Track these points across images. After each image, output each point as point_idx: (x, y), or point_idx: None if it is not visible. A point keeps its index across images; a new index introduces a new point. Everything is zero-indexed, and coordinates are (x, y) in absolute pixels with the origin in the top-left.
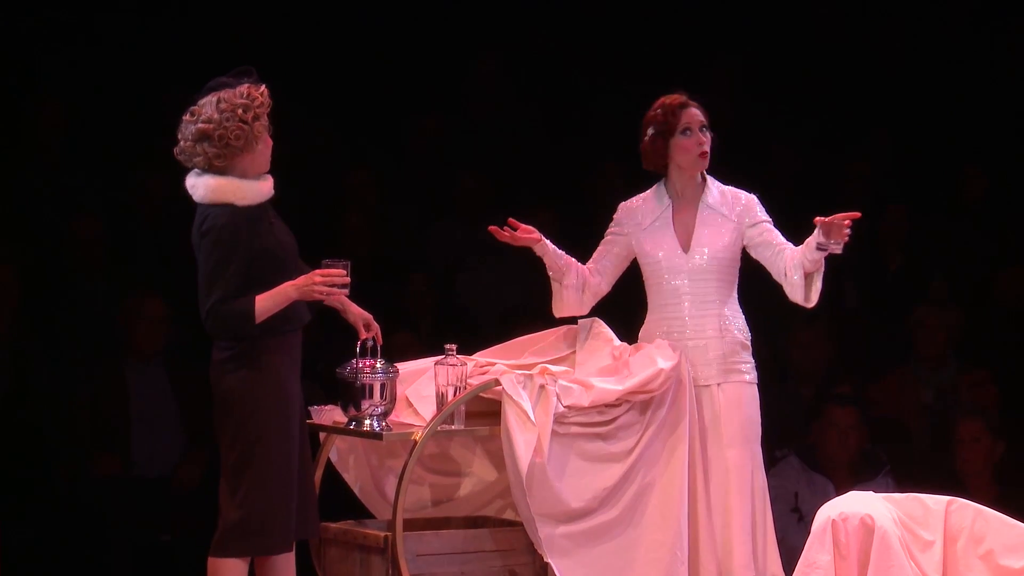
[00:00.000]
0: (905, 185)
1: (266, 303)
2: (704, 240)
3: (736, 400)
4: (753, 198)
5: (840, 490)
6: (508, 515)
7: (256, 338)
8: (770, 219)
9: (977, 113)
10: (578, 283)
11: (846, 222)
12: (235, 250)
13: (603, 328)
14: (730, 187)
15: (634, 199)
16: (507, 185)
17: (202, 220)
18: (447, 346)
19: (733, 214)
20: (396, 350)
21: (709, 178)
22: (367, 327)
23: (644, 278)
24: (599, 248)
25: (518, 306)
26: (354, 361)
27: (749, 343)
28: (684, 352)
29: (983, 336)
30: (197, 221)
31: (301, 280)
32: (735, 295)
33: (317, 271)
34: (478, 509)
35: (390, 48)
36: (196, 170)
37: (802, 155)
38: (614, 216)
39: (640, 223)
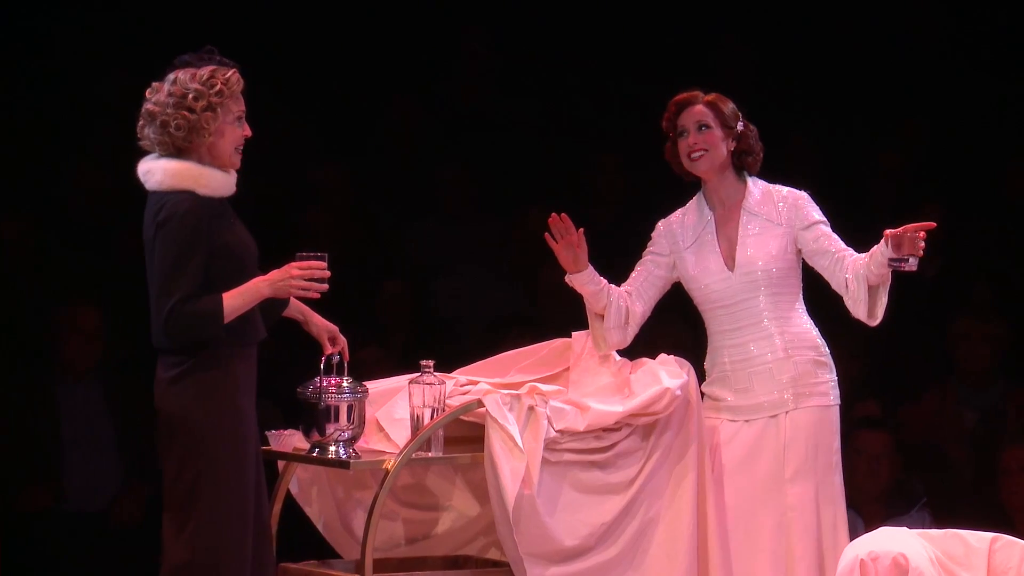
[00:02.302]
0: (943, 180)
1: (235, 302)
2: (750, 253)
3: (805, 426)
4: (803, 196)
5: (870, 526)
6: (492, 554)
7: (210, 351)
8: (825, 219)
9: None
10: (620, 320)
11: (920, 233)
12: (198, 242)
13: None
14: (777, 185)
15: (675, 214)
16: (492, 180)
17: (158, 209)
18: (423, 362)
19: (780, 217)
20: (365, 367)
21: (751, 179)
22: (332, 341)
23: (696, 304)
24: (638, 269)
25: (504, 317)
26: (317, 379)
27: (826, 359)
28: (750, 379)
29: None
30: (151, 211)
31: (276, 274)
32: (800, 307)
33: (293, 263)
34: (458, 547)
35: (362, 25)
36: (152, 155)
37: (824, 147)
38: (652, 235)
39: (682, 243)
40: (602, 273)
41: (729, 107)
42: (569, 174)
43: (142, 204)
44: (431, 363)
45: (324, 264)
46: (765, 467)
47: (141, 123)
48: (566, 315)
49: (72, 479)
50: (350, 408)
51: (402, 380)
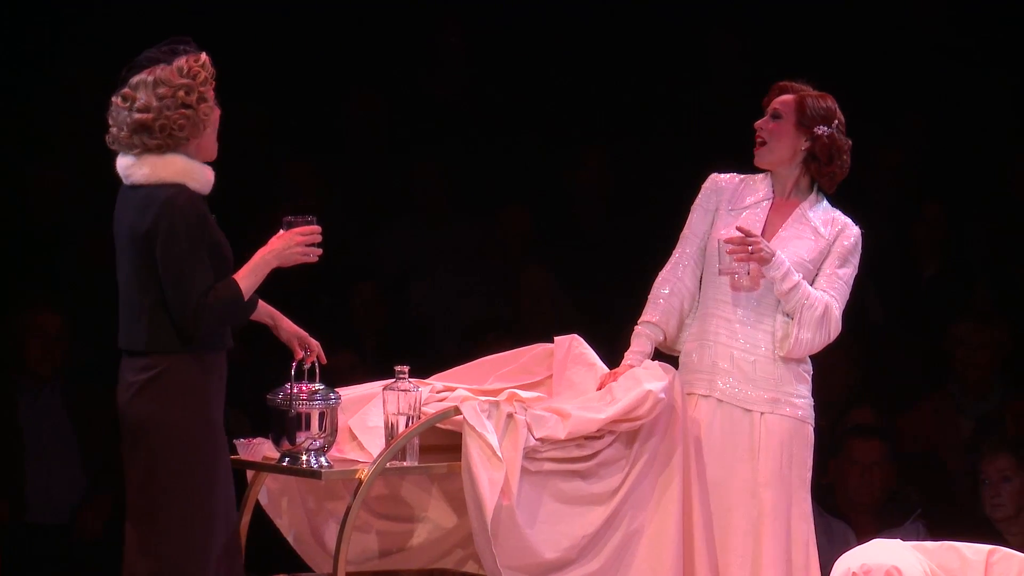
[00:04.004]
0: (942, 178)
1: (248, 280)
2: (784, 243)
3: (780, 434)
4: (854, 232)
5: (862, 538)
6: (470, 567)
7: (182, 357)
8: (851, 263)
9: None
10: (679, 327)
11: (729, 248)
12: (203, 234)
13: (584, 349)
14: (841, 213)
15: (731, 176)
16: (469, 178)
17: (148, 202)
18: (398, 368)
19: (828, 233)
20: (338, 373)
21: (820, 194)
22: (303, 346)
23: (705, 265)
24: (685, 236)
25: (482, 321)
26: (288, 386)
27: (807, 376)
28: (731, 358)
29: None
30: (137, 205)
31: (279, 244)
32: None
33: (295, 229)
34: (435, 560)
35: (335, 19)
36: (127, 153)
37: None
38: (704, 186)
39: (727, 202)
40: (587, 271)
41: (820, 107)
42: (550, 172)
43: (103, 205)
44: (406, 369)
45: (319, 228)
46: (739, 467)
47: (125, 132)
48: (547, 320)
49: (33, 489)
50: (322, 416)
51: (376, 386)
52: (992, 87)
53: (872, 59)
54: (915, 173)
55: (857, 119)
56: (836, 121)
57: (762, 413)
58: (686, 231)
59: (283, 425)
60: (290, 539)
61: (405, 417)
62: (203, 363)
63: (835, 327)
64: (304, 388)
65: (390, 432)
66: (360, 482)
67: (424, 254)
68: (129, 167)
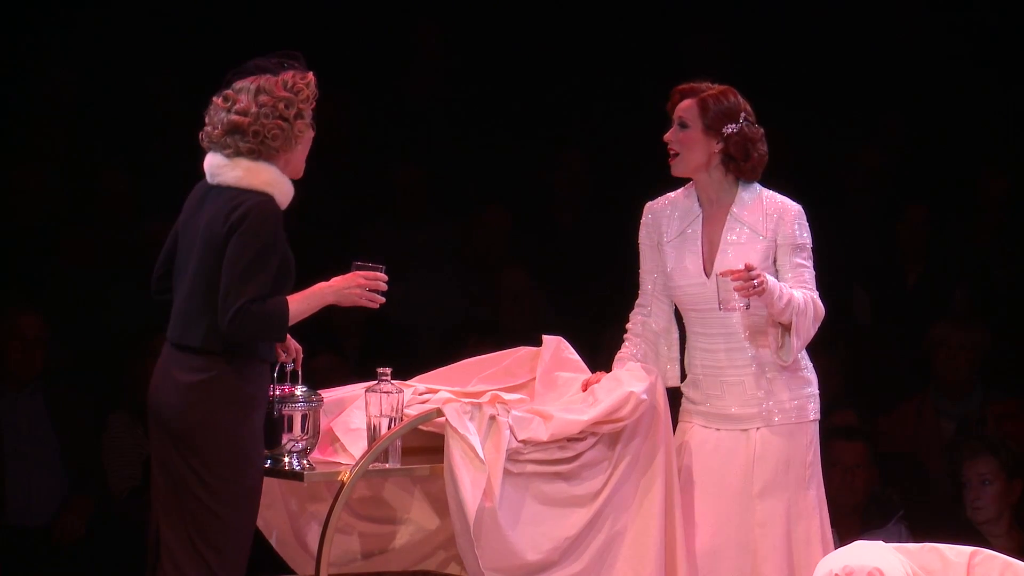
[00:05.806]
0: (925, 181)
1: (300, 306)
2: (729, 262)
3: (775, 443)
4: (792, 211)
5: (844, 539)
6: (452, 569)
7: (240, 363)
8: (806, 243)
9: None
10: (661, 366)
11: (735, 284)
12: (276, 245)
13: (571, 353)
14: (772, 193)
15: (661, 201)
16: (448, 179)
17: (235, 204)
18: (380, 370)
19: (766, 228)
20: (320, 375)
21: (744, 185)
22: (284, 349)
23: (676, 302)
24: (641, 276)
25: (464, 323)
26: (270, 388)
27: (804, 373)
28: (721, 388)
29: (1014, 359)
30: (223, 205)
31: (340, 282)
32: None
33: (359, 272)
34: (417, 562)
35: (309, 17)
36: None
37: (798, 143)
38: (642, 221)
39: (666, 234)
40: (567, 272)
41: (723, 106)
42: (529, 173)
43: (84, 207)
44: (388, 371)
45: (385, 276)
46: (733, 483)
47: (219, 131)
48: (526, 321)
49: (13, 492)
50: (304, 418)
51: (358, 388)
52: (972, 92)
53: (853, 60)
54: (897, 175)
55: (838, 121)
56: (742, 114)
57: (757, 428)
58: (641, 271)
59: (266, 427)
60: (272, 541)
61: (387, 419)
62: (254, 370)
63: (821, 314)
64: (287, 390)
65: (372, 434)
66: (342, 484)
67: (404, 256)
68: (220, 167)
